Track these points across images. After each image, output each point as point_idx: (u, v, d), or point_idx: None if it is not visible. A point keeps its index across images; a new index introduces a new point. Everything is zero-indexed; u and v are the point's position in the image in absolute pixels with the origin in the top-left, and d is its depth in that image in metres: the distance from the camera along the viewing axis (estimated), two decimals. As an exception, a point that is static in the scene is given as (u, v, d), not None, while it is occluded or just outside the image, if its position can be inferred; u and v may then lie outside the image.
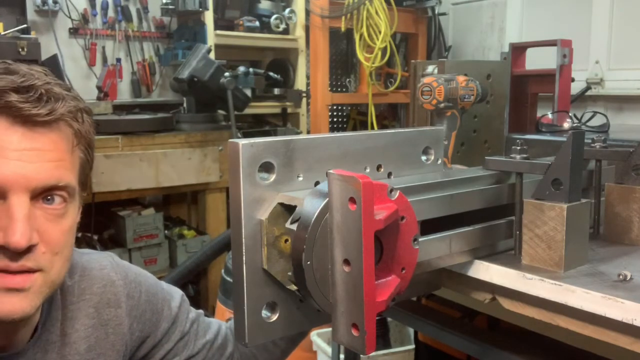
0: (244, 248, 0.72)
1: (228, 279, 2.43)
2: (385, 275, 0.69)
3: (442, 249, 0.87)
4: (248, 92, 3.23)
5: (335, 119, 4.26)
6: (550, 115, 1.86)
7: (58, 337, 0.86)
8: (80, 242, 2.78)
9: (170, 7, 3.40)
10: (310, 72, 3.50)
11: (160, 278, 3.24)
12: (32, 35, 2.82)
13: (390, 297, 0.68)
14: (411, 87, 1.87)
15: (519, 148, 0.93)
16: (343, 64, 4.20)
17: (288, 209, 0.73)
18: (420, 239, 0.73)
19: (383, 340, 2.49)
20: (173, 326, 1.00)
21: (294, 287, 0.72)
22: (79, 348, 0.87)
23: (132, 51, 3.71)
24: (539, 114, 2.00)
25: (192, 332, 1.02)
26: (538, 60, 2.11)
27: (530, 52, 2.04)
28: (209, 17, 3.33)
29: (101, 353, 0.90)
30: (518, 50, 2.00)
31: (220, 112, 3.30)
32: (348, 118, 4.26)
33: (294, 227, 0.70)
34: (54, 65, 2.76)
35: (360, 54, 3.34)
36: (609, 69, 3.04)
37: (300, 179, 0.76)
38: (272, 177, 0.74)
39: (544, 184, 0.88)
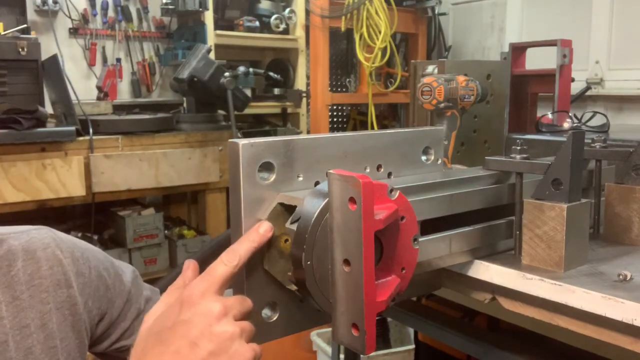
0: (244, 248, 0.72)
1: (228, 279, 2.43)
2: (385, 275, 0.69)
3: (442, 249, 0.87)
4: (248, 92, 3.23)
5: (335, 119, 4.26)
6: (550, 115, 1.86)
7: (15, 331, 0.81)
8: (80, 242, 2.78)
9: (170, 7, 3.40)
10: (310, 72, 3.50)
11: (160, 278, 3.23)
12: (32, 35, 2.82)
13: (390, 297, 0.68)
14: (411, 87, 1.87)
15: (519, 148, 0.93)
16: (343, 64, 4.20)
17: (288, 209, 0.73)
18: (420, 239, 0.73)
19: (383, 340, 2.49)
20: (128, 303, 0.97)
21: (294, 287, 0.72)
22: (39, 337, 0.83)
23: (132, 51, 3.71)
24: (539, 114, 1.99)
25: (148, 310, 1.00)
26: (538, 60, 2.10)
27: (530, 52, 2.04)
28: (209, 17, 3.33)
29: (63, 337, 0.86)
30: (518, 50, 2.00)
31: (220, 112, 3.31)
32: (348, 118, 4.27)
33: (294, 227, 0.70)
34: (54, 65, 2.76)
35: (360, 54, 3.34)
36: (609, 69, 3.04)
37: (300, 179, 0.76)
38: (272, 177, 0.74)
39: (544, 184, 0.88)
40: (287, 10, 3.65)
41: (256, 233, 0.71)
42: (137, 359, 0.69)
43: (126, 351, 0.97)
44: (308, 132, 3.65)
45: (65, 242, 0.91)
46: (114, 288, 0.95)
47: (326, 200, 0.67)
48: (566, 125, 1.74)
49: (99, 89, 3.52)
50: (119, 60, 3.66)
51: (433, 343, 1.62)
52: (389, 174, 0.88)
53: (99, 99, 3.48)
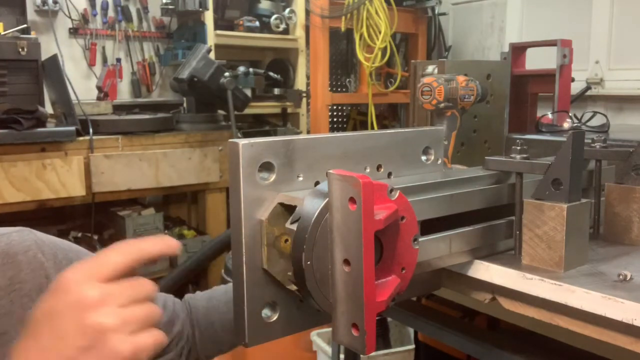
0: (244, 248, 0.72)
1: (228, 279, 2.43)
2: (385, 275, 0.69)
3: (442, 249, 0.87)
4: (248, 92, 3.23)
5: (335, 119, 4.26)
6: (550, 115, 1.86)
7: None
8: (80, 242, 2.78)
9: (170, 7, 3.40)
10: (310, 72, 3.50)
11: (160, 278, 3.22)
12: (32, 35, 2.82)
13: (390, 297, 0.68)
14: (411, 87, 1.87)
15: (519, 148, 0.93)
16: (343, 64, 4.20)
17: (288, 209, 0.73)
18: (420, 239, 0.73)
19: (383, 340, 2.49)
20: None
21: (294, 287, 0.72)
22: None
23: (132, 51, 3.71)
24: (539, 114, 2.00)
25: None
26: (538, 60, 2.11)
27: (530, 52, 2.04)
28: (209, 17, 3.33)
29: None
30: (518, 50, 2.00)
31: (220, 112, 3.31)
32: (348, 118, 4.27)
33: (294, 227, 0.70)
34: (54, 65, 2.76)
35: (360, 54, 3.34)
36: (609, 69, 3.04)
37: (300, 179, 0.76)
38: (272, 177, 0.74)
39: (544, 184, 0.88)
40: (287, 10, 3.65)
41: (162, 241, 0.66)
42: (15, 354, 0.61)
43: None
44: (308, 132, 3.65)
45: (47, 244, 0.86)
46: None
47: (326, 200, 0.67)
48: (566, 125, 1.74)
49: (99, 89, 3.52)
50: (119, 60, 3.66)
51: (433, 343, 1.62)
52: (389, 174, 0.88)
53: (99, 99, 3.48)
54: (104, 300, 0.58)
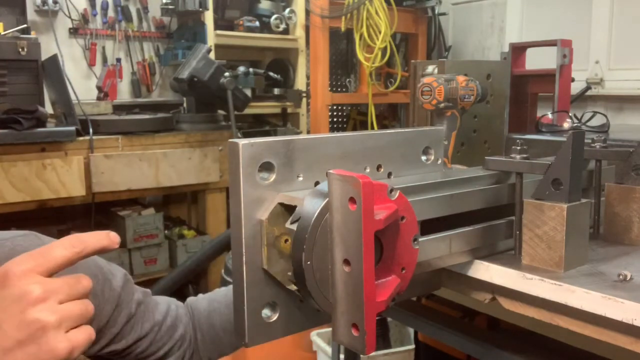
0: (244, 248, 0.72)
1: (228, 279, 2.44)
2: (385, 275, 0.69)
3: (442, 249, 0.87)
4: (248, 92, 3.23)
5: (335, 119, 4.26)
6: (550, 115, 1.85)
7: None
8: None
9: (170, 7, 3.40)
10: (310, 72, 3.50)
11: (160, 278, 3.22)
12: (32, 35, 2.82)
13: (390, 297, 0.68)
14: (411, 87, 1.87)
15: (519, 148, 0.93)
16: (343, 64, 4.21)
17: (288, 209, 0.73)
18: (420, 239, 0.73)
19: (383, 340, 2.49)
20: (118, 308, 0.93)
21: (294, 287, 0.72)
22: None
23: (132, 51, 3.72)
24: (539, 114, 1.99)
25: (139, 314, 0.97)
26: (538, 60, 2.10)
27: (530, 52, 2.04)
28: (209, 17, 3.33)
29: None
30: (518, 50, 2.00)
31: (220, 112, 3.31)
32: (348, 118, 4.27)
33: (294, 227, 0.70)
34: (54, 65, 2.76)
35: (360, 54, 3.34)
36: (609, 69, 3.04)
37: (300, 179, 0.76)
38: (272, 177, 0.74)
39: (544, 184, 0.88)
40: (287, 10, 3.65)
41: (106, 236, 0.66)
42: None
43: (117, 355, 0.96)
44: (308, 132, 3.65)
45: None
46: (102, 295, 0.92)
47: (326, 200, 0.67)
48: (566, 125, 1.74)
49: (99, 89, 3.52)
50: (119, 60, 3.67)
51: (433, 343, 1.62)
52: (389, 174, 0.88)
53: (99, 99, 3.49)
54: (45, 296, 0.59)
